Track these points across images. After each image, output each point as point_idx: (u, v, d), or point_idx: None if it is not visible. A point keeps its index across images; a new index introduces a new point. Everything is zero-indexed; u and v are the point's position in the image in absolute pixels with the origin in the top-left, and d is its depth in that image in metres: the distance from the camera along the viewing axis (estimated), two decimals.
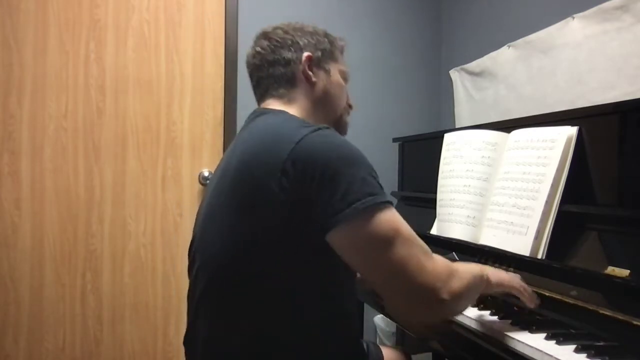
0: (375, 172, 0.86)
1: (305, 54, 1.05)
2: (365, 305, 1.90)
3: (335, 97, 1.10)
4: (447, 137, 1.57)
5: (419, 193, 1.87)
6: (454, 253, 1.44)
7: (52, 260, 2.10)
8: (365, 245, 0.81)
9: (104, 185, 2.16)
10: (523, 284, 1.03)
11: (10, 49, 2.06)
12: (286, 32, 1.06)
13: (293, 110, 1.03)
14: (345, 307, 0.97)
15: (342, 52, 1.15)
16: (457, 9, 2.56)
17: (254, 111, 1.06)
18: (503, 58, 2.09)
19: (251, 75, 1.10)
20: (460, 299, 0.86)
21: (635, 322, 0.85)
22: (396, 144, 2.14)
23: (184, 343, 1.06)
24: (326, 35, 1.11)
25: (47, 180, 2.10)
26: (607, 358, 0.81)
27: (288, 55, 1.04)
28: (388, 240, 0.80)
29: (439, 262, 0.85)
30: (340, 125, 1.13)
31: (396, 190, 2.10)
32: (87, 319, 2.14)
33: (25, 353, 2.06)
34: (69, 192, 2.12)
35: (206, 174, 2.26)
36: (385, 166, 2.40)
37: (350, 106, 1.16)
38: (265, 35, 1.08)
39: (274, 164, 0.83)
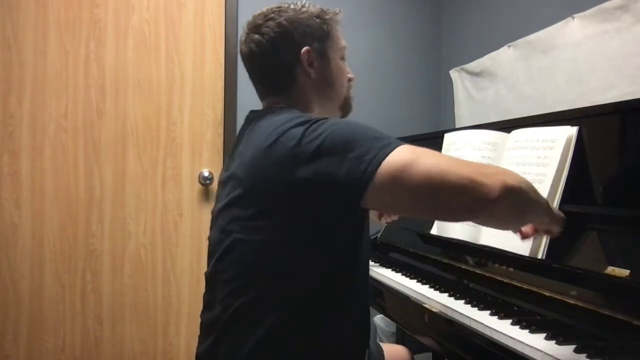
0: (378, 130, 0.87)
1: (303, 49, 1.01)
2: None
3: (337, 82, 1.08)
4: (447, 137, 1.57)
5: None
6: (453, 253, 1.44)
7: (52, 260, 2.10)
8: (408, 186, 0.79)
9: (104, 185, 2.16)
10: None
11: (10, 49, 2.06)
12: (279, 26, 1.00)
13: (298, 106, 1.01)
14: (347, 299, 0.96)
15: (338, 24, 1.10)
16: (457, 9, 2.56)
17: (255, 110, 1.05)
18: (503, 58, 2.09)
19: (249, 71, 1.08)
20: (520, 187, 0.81)
21: (635, 322, 0.85)
22: None
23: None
24: (319, 16, 1.04)
25: (47, 180, 2.10)
26: (607, 358, 0.81)
27: (284, 54, 1.01)
28: (414, 165, 0.78)
29: (477, 164, 0.85)
30: (346, 106, 1.12)
31: None
32: (87, 319, 2.14)
33: (25, 353, 2.06)
34: (69, 192, 2.12)
35: (206, 174, 2.26)
36: None
37: (349, 80, 1.13)
38: (256, 29, 1.02)
39: (281, 158, 0.85)
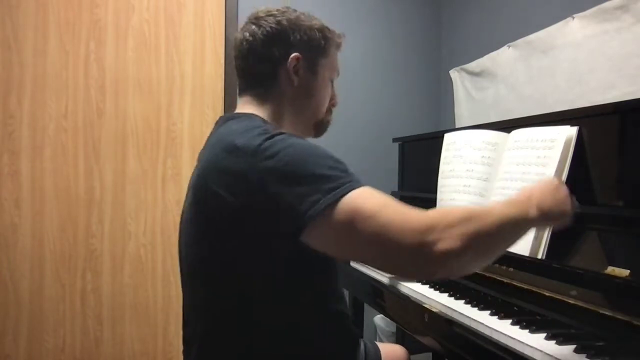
0: (333, 157, 0.83)
1: (293, 54, 0.98)
2: (365, 305, 1.90)
3: (317, 100, 1.04)
4: (447, 137, 1.57)
5: (419, 193, 1.86)
6: None
7: (52, 260, 2.10)
8: (336, 238, 0.78)
9: (104, 185, 2.16)
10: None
11: (10, 49, 2.06)
12: (278, 23, 0.98)
13: (265, 112, 0.99)
14: (331, 308, 0.96)
15: (338, 48, 1.08)
16: (457, 9, 2.56)
17: (223, 116, 1.05)
18: (503, 58, 2.09)
19: (235, 59, 1.04)
20: (467, 248, 0.74)
21: (635, 322, 0.85)
22: (396, 144, 2.14)
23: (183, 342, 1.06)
24: (321, 30, 1.02)
25: (47, 180, 2.10)
26: (607, 358, 0.81)
27: (275, 52, 0.97)
28: (354, 226, 0.75)
29: (426, 216, 0.75)
30: (321, 126, 1.08)
31: (396, 190, 2.10)
32: (87, 319, 2.14)
33: (25, 353, 2.06)
34: (69, 192, 2.12)
35: None
36: (385, 166, 2.41)
37: (333, 105, 1.09)
38: (256, 20, 1.00)
39: (232, 175, 0.82)
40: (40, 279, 2.09)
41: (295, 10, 1.02)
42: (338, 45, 1.07)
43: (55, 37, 2.11)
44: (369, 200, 0.77)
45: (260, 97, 1.00)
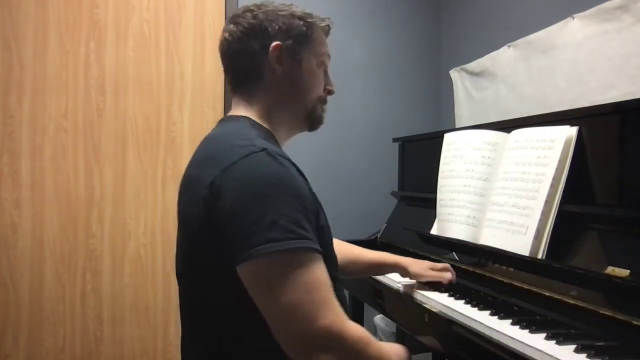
0: (300, 208, 0.80)
1: (274, 43, 0.95)
2: (365, 305, 1.90)
3: (305, 88, 1.00)
4: (447, 137, 1.57)
5: (419, 193, 1.86)
6: (453, 253, 1.44)
7: (52, 260, 2.10)
8: (258, 285, 0.78)
9: (104, 185, 2.16)
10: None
11: (10, 49, 2.06)
12: (255, 17, 0.96)
13: (254, 111, 0.98)
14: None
15: (326, 33, 1.04)
16: (457, 9, 2.56)
17: (221, 118, 1.05)
18: (503, 58, 2.09)
19: (222, 62, 1.03)
20: (358, 355, 0.78)
21: (635, 322, 0.85)
22: (396, 144, 2.14)
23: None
24: (302, 17, 0.99)
25: (47, 180, 2.10)
26: (607, 358, 0.81)
27: (254, 45, 0.95)
28: (280, 283, 0.75)
29: (337, 322, 0.77)
30: (312, 118, 1.03)
31: (396, 190, 2.10)
32: (87, 319, 2.14)
33: (25, 353, 2.06)
34: (69, 192, 2.12)
35: None
36: (385, 166, 2.41)
37: (329, 92, 1.05)
38: (234, 19, 0.98)
39: (202, 186, 0.83)
40: (40, 279, 2.09)
41: (273, 2, 1.00)
42: (324, 29, 1.04)
43: (55, 37, 2.11)
44: (311, 272, 0.77)
45: (248, 96, 0.99)
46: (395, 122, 2.56)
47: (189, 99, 2.27)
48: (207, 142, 0.96)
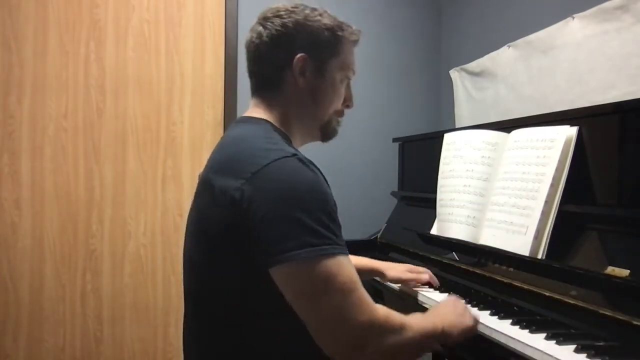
0: (330, 213, 0.83)
1: (299, 55, 0.95)
2: None
3: (324, 102, 1.01)
4: (447, 137, 1.57)
5: (419, 193, 1.87)
6: (453, 253, 1.44)
7: (52, 260, 2.10)
8: (297, 289, 0.81)
9: (104, 185, 2.16)
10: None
11: (10, 49, 2.06)
12: (283, 25, 0.95)
13: (274, 116, 0.98)
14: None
15: (353, 44, 1.04)
16: (457, 8, 2.56)
17: (238, 118, 1.05)
18: (503, 58, 2.09)
19: (247, 60, 1.03)
20: (392, 356, 0.83)
21: (635, 322, 0.85)
22: (396, 144, 2.14)
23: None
24: (331, 29, 0.98)
25: (47, 180, 2.10)
26: (607, 358, 0.81)
27: (280, 55, 0.96)
28: (319, 288, 0.79)
29: (378, 313, 0.82)
30: (327, 131, 1.05)
31: (396, 190, 2.10)
32: (87, 319, 2.14)
33: (25, 353, 2.06)
34: (69, 192, 2.12)
35: None
36: (385, 166, 2.41)
37: (347, 107, 1.07)
38: (263, 21, 0.98)
39: (229, 187, 0.83)
40: (40, 279, 2.09)
41: (305, 8, 0.99)
42: (353, 42, 1.03)
43: (55, 37, 2.11)
44: (344, 274, 0.80)
45: (269, 101, 0.99)
46: (395, 122, 2.56)
47: (189, 99, 2.27)
48: (228, 143, 0.95)
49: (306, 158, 0.88)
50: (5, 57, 2.05)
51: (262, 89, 1.00)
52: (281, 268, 0.79)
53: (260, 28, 0.97)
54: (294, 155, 0.85)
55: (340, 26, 1.00)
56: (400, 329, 0.83)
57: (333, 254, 0.79)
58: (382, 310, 0.83)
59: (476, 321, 1.00)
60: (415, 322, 0.88)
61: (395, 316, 0.85)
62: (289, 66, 0.96)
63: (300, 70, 0.96)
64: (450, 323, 0.94)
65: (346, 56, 1.02)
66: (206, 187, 0.89)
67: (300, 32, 0.96)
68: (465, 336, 0.96)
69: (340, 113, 1.05)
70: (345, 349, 0.80)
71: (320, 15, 0.99)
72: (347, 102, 1.06)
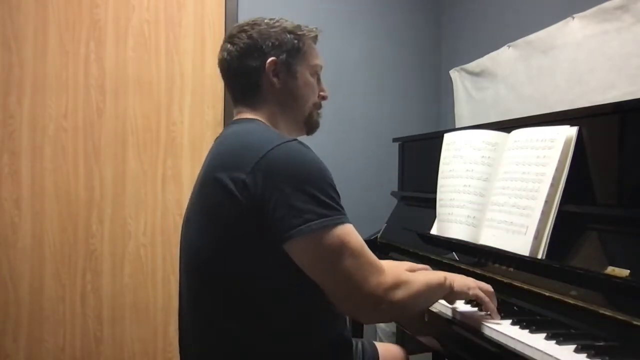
0: (334, 187, 0.91)
1: (269, 59, 1.04)
2: None
3: (302, 98, 1.09)
4: (447, 137, 1.57)
5: (419, 193, 1.87)
6: (453, 253, 1.44)
7: (52, 260, 2.10)
8: (315, 258, 0.87)
9: (104, 185, 2.16)
10: (488, 293, 1.05)
11: (10, 49, 2.06)
12: (250, 37, 1.05)
13: (261, 116, 1.05)
14: (323, 306, 0.97)
15: (314, 41, 1.12)
16: (457, 9, 2.56)
17: (230, 121, 1.10)
18: (503, 58, 2.09)
19: (223, 78, 1.12)
20: (403, 308, 0.92)
21: (635, 322, 0.85)
22: (396, 144, 2.14)
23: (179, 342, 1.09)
24: (292, 31, 1.07)
25: (47, 180, 2.10)
26: (607, 358, 0.81)
27: (252, 63, 1.04)
28: (336, 254, 0.86)
29: (385, 273, 0.90)
30: (310, 124, 1.13)
31: (396, 190, 2.10)
32: (87, 319, 2.14)
33: (25, 353, 2.06)
34: (69, 192, 2.12)
35: None
36: (385, 166, 2.41)
37: (323, 98, 1.15)
38: (230, 39, 1.07)
39: (239, 174, 0.88)
40: (40, 279, 2.09)
41: (265, 19, 1.08)
42: (313, 39, 1.12)
43: (55, 37, 2.11)
44: (354, 240, 0.89)
45: (252, 106, 1.07)
46: (395, 122, 2.56)
47: (189, 99, 2.27)
48: (230, 137, 1.02)
49: (305, 143, 0.95)
50: (5, 57, 2.05)
51: (244, 97, 1.08)
52: (300, 239, 0.85)
53: (229, 45, 1.06)
54: (295, 140, 0.93)
55: (299, 27, 1.10)
56: (408, 282, 0.92)
57: (343, 222, 0.88)
58: (390, 269, 0.92)
59: (478, 286, 1.05)
60: (421, 275, 1.00)
61: (402, 272, 0.96)
62: (262, 71, 1.04)
63: (273, 73, 1.05)
64: (453, 277, 1.03)
65: (310, 53, 1.11)
66: (212, 182, 0.92)
67: (265, 40, 1.05)
68: (466, 295, 1.03)
69: (318, 105, 1.14)
70: (362, 304, 0.88)
71: (279, 21, 1.08)
72: (322, 94, 1.14)
